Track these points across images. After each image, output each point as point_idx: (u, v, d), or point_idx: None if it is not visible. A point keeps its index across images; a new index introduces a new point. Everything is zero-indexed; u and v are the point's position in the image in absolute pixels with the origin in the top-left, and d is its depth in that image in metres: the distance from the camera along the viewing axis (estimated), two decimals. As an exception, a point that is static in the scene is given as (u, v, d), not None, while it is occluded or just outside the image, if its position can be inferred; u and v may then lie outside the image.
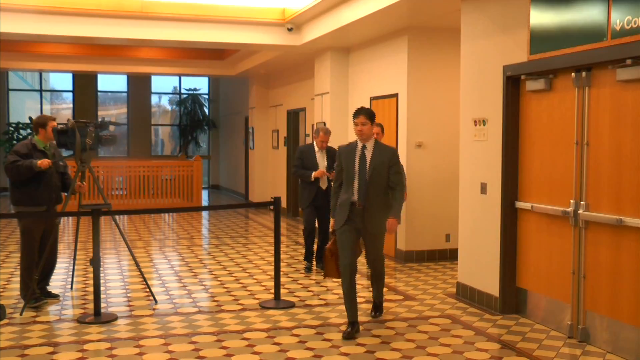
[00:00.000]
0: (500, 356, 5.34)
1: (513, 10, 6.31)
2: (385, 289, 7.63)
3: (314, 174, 8.20)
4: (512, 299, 6.54)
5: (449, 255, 9.18)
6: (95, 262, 6.41)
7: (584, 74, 5.51)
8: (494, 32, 6.64)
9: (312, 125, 12.22)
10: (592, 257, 5.49)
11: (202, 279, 8.20)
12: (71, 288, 7.58)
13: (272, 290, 7.11)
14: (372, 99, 10.16)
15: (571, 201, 5.66)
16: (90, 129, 6.84)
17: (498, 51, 6.56)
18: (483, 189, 6.84)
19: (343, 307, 6.75)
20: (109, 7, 9.78)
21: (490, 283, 6.71)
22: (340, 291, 7.47)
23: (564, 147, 5.79)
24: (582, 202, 5.56)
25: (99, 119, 7.11)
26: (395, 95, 9.39)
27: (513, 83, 6.41)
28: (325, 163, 8.30)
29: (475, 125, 6.96)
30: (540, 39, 5.89)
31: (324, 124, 11.28)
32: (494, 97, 6.62)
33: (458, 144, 7.47)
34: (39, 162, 6.54)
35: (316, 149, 8.39)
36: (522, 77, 6.23)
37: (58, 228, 7.09)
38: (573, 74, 5.60)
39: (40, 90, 21.71)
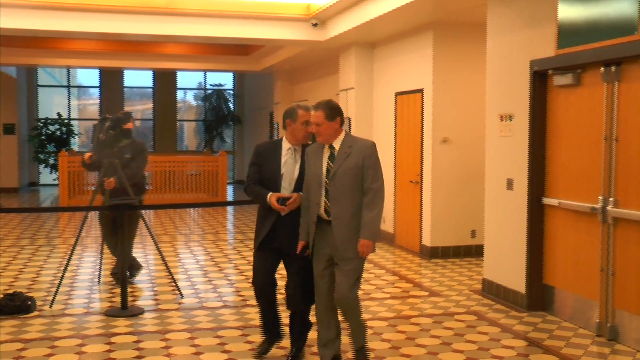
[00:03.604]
0: (527, 354, 5.30)
1: (540, 4, 6.25)
2: (409, 285, 7.63)
3: (271, 198, 4.72)
4: (538, 296, 6.48)
5: (475, 252, 9.13)
6: (121, 256, 6.49)
7: (613, 68, 5.43)
8: (521, 27, 6.58)
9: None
10: (622, 254, 5.42)
11: (228, 274, 8.24)
12: (99, 282, 7.66)
13: (297, 286, 7.12)
14: (397, 94, 10.13)
15: (599, 197, 5.60)
16: (106, 125, 6.89)
17: (525, 46, 6.50)
18: (509, 184, 6.79)
19: (368, 303, 6.76)
20: (135, 4, 9.84)
21: (516, 280, 6.66)
22: (368, 287, 7.49)
23: (592, 142, 5.73)
24: (610, 199, 5.49)
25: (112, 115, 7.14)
26: (421, 91, 9.35)
27: (540, 78, 6.34)
28: (297, 172, 4.86)
29: (502, 120, 6.91)
30: (568, 33, 5.82)
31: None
32: (520, 92, 6.57)
33: (484, 139, 7.42)
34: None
35: (285, 146, 4.92)
36: (550, 72, 6.17)
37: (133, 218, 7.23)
38: (602, 69, 5.53)
39: (68, 86, 21.96)
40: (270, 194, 4.73)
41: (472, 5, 7.83)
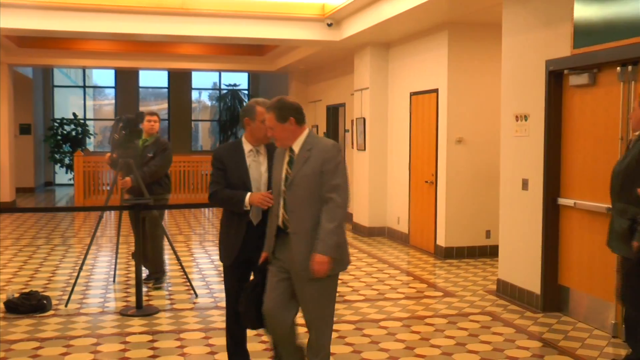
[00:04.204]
0: (542, 355, 5.27)
1: (556, 4, 6.21)
2: (424, 286, 7.61)
3: (249, 198, 4.25)
4: (553, 297, 6.44)
5: (489, 252, 9.09)
6: (137, 256, 6.52)
7: (630, 68, 5.39)
8: (536, 26, 6.55)
9: (352, 121, 12.20)
10: (637, 255, 5.37)
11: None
12: (114, 281, 7.70)
13: (311, 286, 7.12)
14: (412, 94, 10.10)
15: (615, 198, 5.55)
16: (120, 125, 6.94)
17: (540, 45, 6.47)
18: (524, 185, 6.75)
19: (382, 304, 6.75)
20: (150, 4, 9.88)
21: (531, 280, 6.63)
22: (382, 287, 7.48)
23: (608, 143, 5.69)
24: (627, 199, 5.44)
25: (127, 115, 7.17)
26: (436, 91, 9.32)
27: (555, 78, 6.31)
28: (265, 175, 4.40)
29: (517, 120, 6.87)
30: (585, 33, 5.78)
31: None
32: (535, 92, 6.53)
33: (499, 139, 7.39)
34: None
35: (247, 148, 4.44)
36: (565, 71, 6.13)
37: (150, 218, 7.27)
38: (618, 69, 5.49)
39: (84, 87, 22.10)
40: (249, 193, 4.23)
41: (487, 5, 7.80)
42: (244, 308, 4.18)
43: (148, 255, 7.50)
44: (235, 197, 4.26)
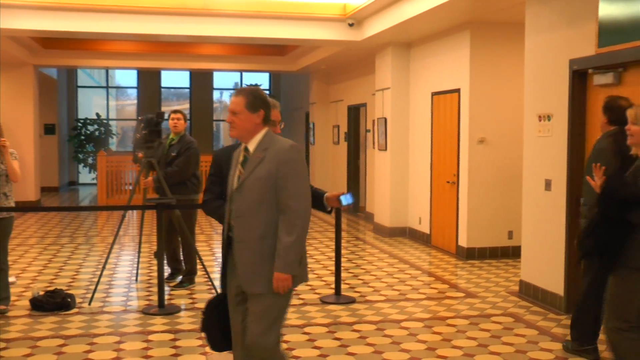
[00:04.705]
0: (565, 357, 5.22)
1: (580, 2, 6.16)
2: (445, 286, 7.58)
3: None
4: (577, 298, 6.38)
5: (512, 253, 9.03)
6: (159, 255, 6.56)
7: (655, 67, 5.33)
8: (560, 25, 6.49)
9: (373, 121, 12.18)
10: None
11: (263, 273, 8.26)
12: (136, 280, 7.76)
13: (333, 286, 7.13)
14: (434, 94, 10.07)
15: (640, 199, 5.49)
16: (141, 125, 6.99)
17: (564, 45, 6.41)
18: (547, 185, 6.70)
19: (404, 304, 6.74)
20: (172, 5, 9.95)
21: (554, 281, 6.57)
22: (404, 287, 7.46)
23: (633, 143, 5.62)
24: (652, 200, 5.38)
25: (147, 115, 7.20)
26: (457, 91, 9.28)
27: (579, 77, 6.25)
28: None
29: (540, 120, 6.82)
30: (610, 31, 5.72)
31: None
32: (559, 91, 6.48)
33: (521, 139, 7.34)
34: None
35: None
36: (589, 71, 6.07)
37: (174, 218, 7.29)
38: (643, 68, 5.44)
39: (107, 87, 22.28)
40: None
41: (509, 4, 7.75)
42: (205, 329, 3.83)
43: (173, 255, 7.57)
44: (223, 209, 3.80)
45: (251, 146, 3.61)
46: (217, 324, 3.75)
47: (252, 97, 3.58)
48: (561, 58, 6.43)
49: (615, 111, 4.94)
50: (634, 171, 4.07)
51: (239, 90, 3.63)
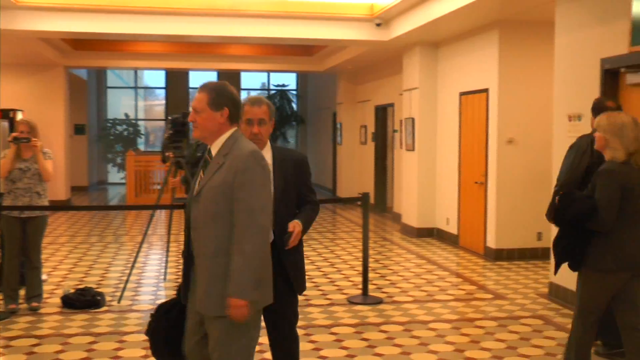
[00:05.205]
0: None
1: (613, 0, 6.07)
2: (474, 288, 7.53)
3: None
4: (608, 301, 6.30)
5: (541, 254, 8.93)
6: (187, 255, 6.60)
7: (689, 66, 5.25)
8: (591, 24, 6.41)
9: (401, 121, 12.14)
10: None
11: (290, 273, 8.27)
12: (164, 279, 7.82)
13: (360, 286, 7.12)
14: (462, 94, 10.00)
15: (674, 200, 5.40)
16: (168, 125, 7.04)
17: (595, 43, 6.33)
18: (578, 186, 6.61)
19: (432, 305, 6.70)
20: (200, 6, 10.01)
21: (584, 283, 6.48)
22: (431, 288, 7.43)
23: (666, 143, 5.53)
24: (685, 201, 5.29)
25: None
26: (486, 91, 9.21)
27: (611, 76, 6.17)
28: (272, 188, 3.38)
29: (570, 120, 6.74)
30: (642, 31, 5.64)
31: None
32: (590, 91, 6.40)
33: (551, 140, 7.26)
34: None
35: None
36: (622, 70, 5.99)
37: None
38: (677, 67, 5.35)
39: (135, 87, 22.50)
40: None
41: (539, 2, 7.67)
42: (150, 334, 3.50)
43: None
44: None
45: (214, 149, 3.25)
46: (163, 331, 3.42)
47: (214, 94, 3.21)
48: (592, 57, 6.35)
49: (600, 112, 4.94)
50: (593, 180, 4.24)
51: (202, 86, 3.29)
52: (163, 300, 3.62)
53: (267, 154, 3.74)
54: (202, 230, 3.15)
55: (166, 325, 3.41)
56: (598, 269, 4.18)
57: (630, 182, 4.11)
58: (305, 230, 3.73)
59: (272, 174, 3.56)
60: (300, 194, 3.83)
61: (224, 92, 3.23)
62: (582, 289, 4.33)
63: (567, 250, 4.31)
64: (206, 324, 3.20)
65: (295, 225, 3.67)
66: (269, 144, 3.80)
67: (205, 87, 3.24)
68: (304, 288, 3.92)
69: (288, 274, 3.74)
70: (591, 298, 4.28)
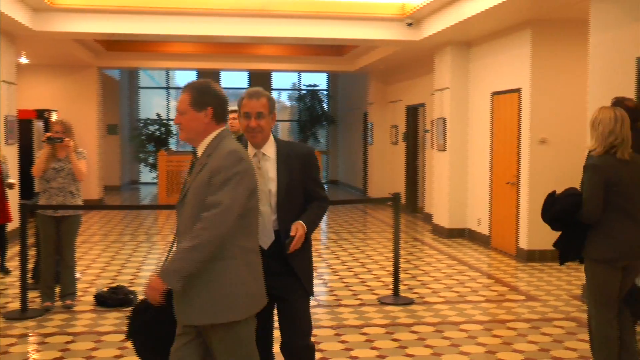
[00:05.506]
0: (631, 363, 5.08)
1: (648, -1, 5.98)
2: (505, 289, 7.47)
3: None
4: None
5: (574, 256, 8.81)
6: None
7: None
8: (627, 22, 6.31)
9: (432, 121, 12.08)
10: None
11: (321, 273, 8.30)
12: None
13: (391, 286, 7.09)
14: (493, 94, 9.92)
15: None
16: None
17: (631, 42, 6.23)
18: (613, 187, 6.52)
19: (463, 306, 6.66)
20: (231, 6, 10.07)
21: (619, 286, 6.39)
22: (463, 289, 7.38)
23: None
24: None
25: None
26: (518, 90, 9.12)
27: (647, 76, 6.07)
28: (275, 186, 3.54)
29: (605, 120, 6.64)
30: (679, 29, 5.54)
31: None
32: (625, 90, 6.29)
33: (584, 139, 7.16)
34: None
35: (250, 152, 3.63)
36: (658, 69, 5.89)
37: None
38: None
39: (167, 88, 22.70)
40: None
41: (573, 1, 7.58)
42: (131, 336, 3.37)
43: None
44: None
45: (200, 150, 3.12)
46: (143, 330, 3.31)
47: (196, 93, 3.10)
48: (628, 56, 6.25)
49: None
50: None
51: (185, 86, 3.17)
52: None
53: (271, 148, 3.60)
54: (185, 234, 3.02)
55: (144, 325, 3.30)
56: (601, 260, 4.30)
57: (616, 175, 4.25)
58: (310, 230, 3.54)
59: (276, 169, 3.53)
60: (307, 189, 3.62)
61: (206, 91, 3.12)
62: (590, 283, 4.43)
63: (565, 243, 4.50)
64: (205, 334, 3.09)
65: (297, 229, 3.47)
66: (272, 138, 3.64)
67: (188, 87, 3.14)
68: (311, 292, 3.67)
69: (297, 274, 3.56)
70: (600, 290, 4.36)
